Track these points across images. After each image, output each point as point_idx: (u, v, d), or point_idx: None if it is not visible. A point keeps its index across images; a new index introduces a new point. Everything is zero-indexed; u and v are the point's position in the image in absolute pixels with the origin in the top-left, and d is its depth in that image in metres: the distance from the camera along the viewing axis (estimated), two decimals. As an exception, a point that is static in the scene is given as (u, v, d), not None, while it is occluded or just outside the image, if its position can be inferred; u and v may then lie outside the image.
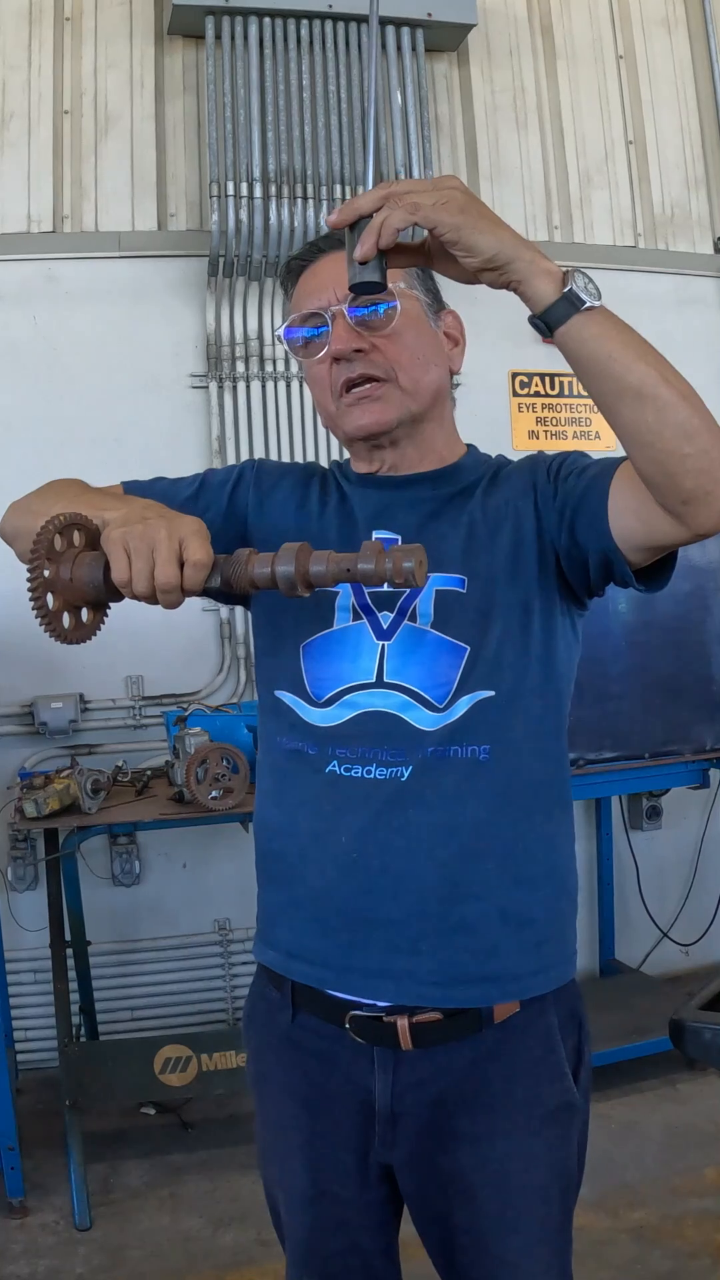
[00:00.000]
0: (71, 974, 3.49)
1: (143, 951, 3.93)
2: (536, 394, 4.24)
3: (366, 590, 1.43)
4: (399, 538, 1.44)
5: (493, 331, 4.09)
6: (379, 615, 1.43)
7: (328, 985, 1.44)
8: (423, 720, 1.39)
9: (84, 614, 1.27)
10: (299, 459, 3.96)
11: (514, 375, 4.24)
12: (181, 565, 1.18)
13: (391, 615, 1.43)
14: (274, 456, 3.98)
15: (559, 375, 4.27)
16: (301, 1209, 1.51)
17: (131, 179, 3.95)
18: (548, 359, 4.20)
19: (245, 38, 3.90)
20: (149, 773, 3.56)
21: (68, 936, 3.41)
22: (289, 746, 1.47)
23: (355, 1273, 1.51)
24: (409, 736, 1.39)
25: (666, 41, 4.50)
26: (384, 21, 4.00)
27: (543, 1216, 1.43)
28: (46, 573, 1.19)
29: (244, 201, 3.82)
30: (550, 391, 4.28)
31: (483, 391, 4.09)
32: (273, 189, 3.86)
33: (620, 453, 1.27)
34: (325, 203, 3.88)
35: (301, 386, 3.97)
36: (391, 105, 4.00)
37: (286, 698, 1.47)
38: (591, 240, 4.35)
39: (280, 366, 3.98)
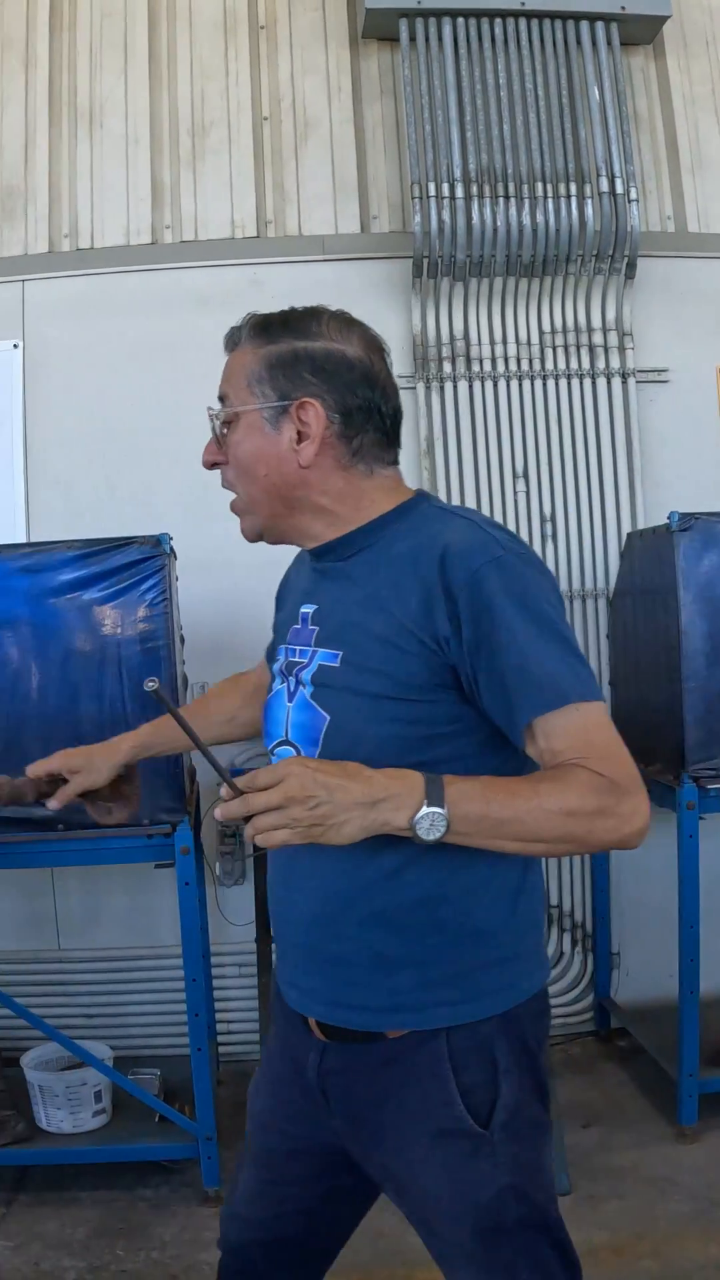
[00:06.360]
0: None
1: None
2: (748, 390, 4.14)
3: (286, 657, 1.60)
4: (316, 607, 1.58)
5: (699, 326, 4.03)
6: (289, 679, 1.58)
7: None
8: None
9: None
10: (507, 458, 3.99)
11: None
12: None
13: (294, 681, 1.56)
14: (482, 456, 3.95)
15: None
16: (261, 1132, 1.72)
17: (333, 182, 3.98)
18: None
19: (440, 39, 3.91)
20: (358, 769, 3.59)
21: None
22: None
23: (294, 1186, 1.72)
24: None
25: None
26: (578, 16, 3.97)
27: (449, 1231, 1.53)
28: None
29: (445, 202, 3.82)
30: (760, 388, 4.17)
31: (689, 391, 4.01)
32: (474, 189, 3.85)
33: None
34: (527, 200, 3.85)
35: (509, 386, 3.96)
36: (590, 101, 3.95)
37: None
38: None
39: (488, 366, 3.96)
